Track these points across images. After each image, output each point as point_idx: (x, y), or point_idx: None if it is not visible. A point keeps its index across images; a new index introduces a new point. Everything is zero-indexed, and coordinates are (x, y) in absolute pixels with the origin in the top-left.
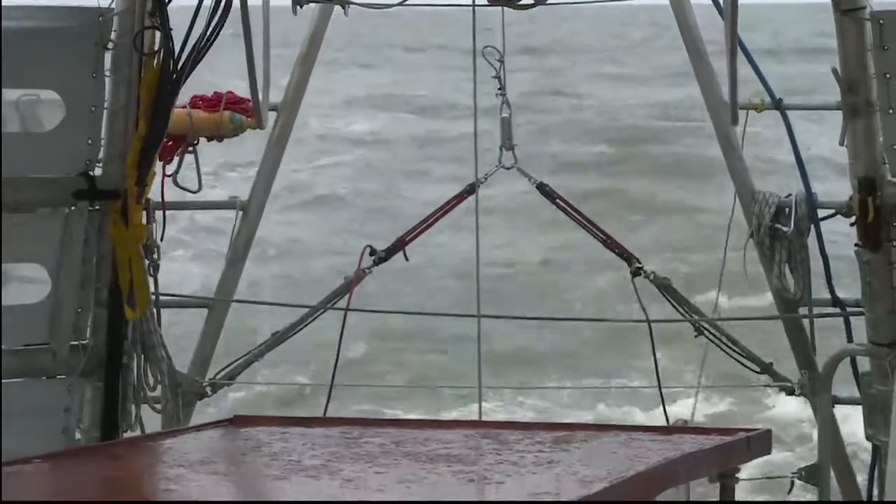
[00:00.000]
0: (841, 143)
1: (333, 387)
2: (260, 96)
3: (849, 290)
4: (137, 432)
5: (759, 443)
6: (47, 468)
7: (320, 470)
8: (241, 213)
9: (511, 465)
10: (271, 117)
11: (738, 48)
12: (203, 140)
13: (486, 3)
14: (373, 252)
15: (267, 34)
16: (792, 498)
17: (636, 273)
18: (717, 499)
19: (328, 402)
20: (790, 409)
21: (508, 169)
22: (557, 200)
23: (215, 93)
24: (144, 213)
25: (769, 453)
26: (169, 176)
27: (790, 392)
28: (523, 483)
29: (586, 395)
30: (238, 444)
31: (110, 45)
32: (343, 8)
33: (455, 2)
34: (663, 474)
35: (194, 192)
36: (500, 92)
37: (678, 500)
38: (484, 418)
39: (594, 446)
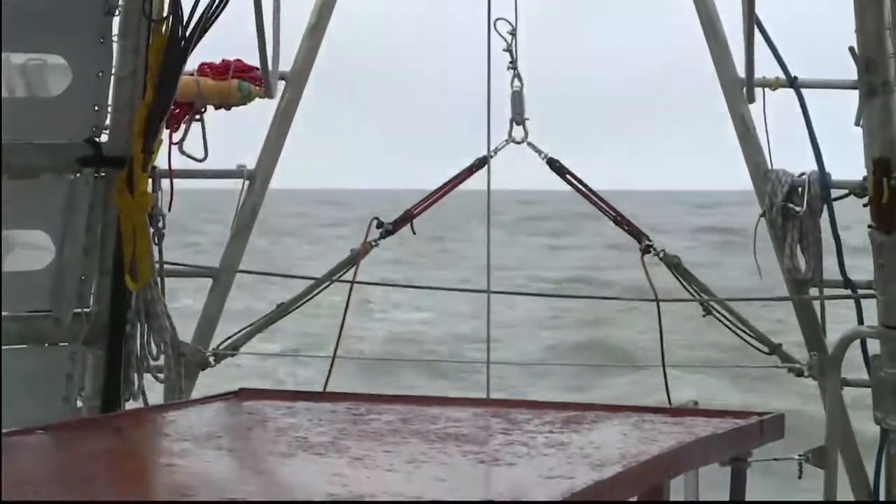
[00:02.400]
0: (857, 123)
1: (336, 360)
2: (269, 65)
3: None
4: (139, 401)
5: (772, 427)
6: (50, 439)
7: (328, 447)
8: (247, 182)
9: (522, 447)
10: (280, 87)
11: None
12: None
13: None
14: (380, 224)
15: (277, 1)
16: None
17: (646, 251)
18: (727, 481)
19: (329, 375)
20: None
21: (519, 143)
22: (568, 177)
23: (223, 60)
24: (150, 181)
25: (782, 437)
26: (175, 144)
27: (799, 373)
28: (535, 465)
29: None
30: (243, 419)
31: (118, 11)
32: None
33: None
34: (678, 459)
35: (200, 161)
36: (511, 65)
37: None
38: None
39: (605, 428)
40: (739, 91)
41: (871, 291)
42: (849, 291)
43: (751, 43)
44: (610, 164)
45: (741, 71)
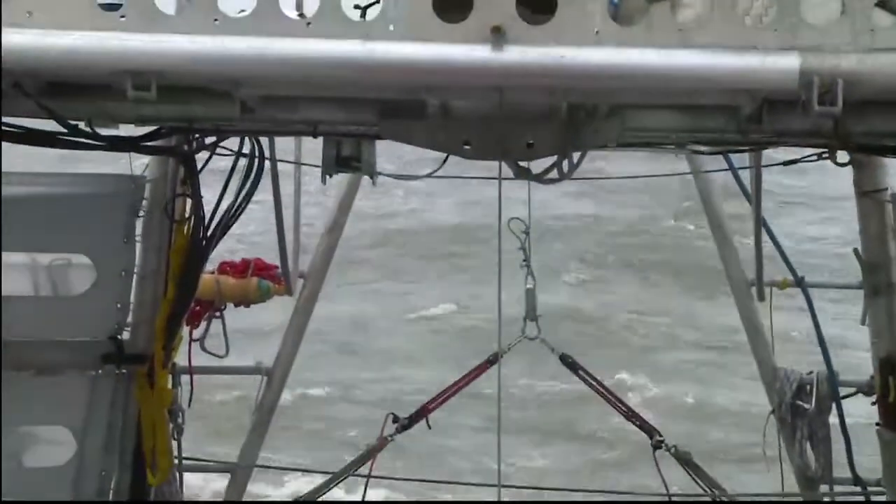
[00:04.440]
0: (862, 323)
1: None
2: (290, 264)
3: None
4: None
5: None
6: None
7: None
8: (265, 378)
9: None
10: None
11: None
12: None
13: (512, 176)
14: (395, 419)
15: (297, 203)
16: None
17: (657, 446)
18: None
19: None
20: None
21: (532, 340)
22: (580, 372)
23: (243, 259)
24: (170, 377)
25: None
26: (196, 341)
27: None
28: None
29: None
30: None
31: (142, 212)
32: (371, 178)
33: (481, 175)
34: None
35: (221, 357)
36: (524, 263)
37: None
38: None
39: None
40: (748, 290)
41: (881, 488)
42: (859, 489)
43: (759, 245)
44: None
45: (749, 272)
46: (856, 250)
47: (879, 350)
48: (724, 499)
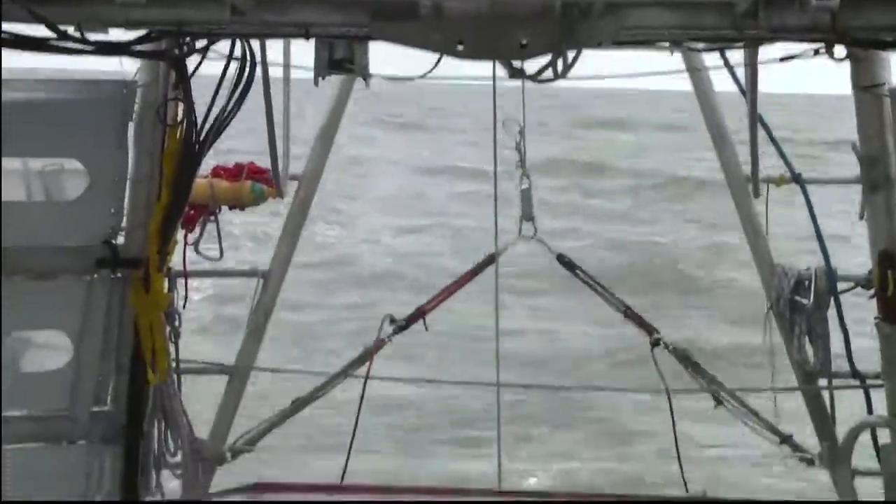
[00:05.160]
0: (861, 218)
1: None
2: (280, 167)
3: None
4: (157, 498)
5: None
6: None
7: None
8: (261, 281)
9: None
10: (292, 187)
11: (759, 126)
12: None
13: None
14: (392, 320)
15: (287, 106)
16: None
17: (655, 343)
18: None
19: (346, 468)
20: None
21: (529, 240)
22: (577, 271)
23: (237, 163)
24: (166, 280)
25: None
26: (191, 244)
27: (810, 463)
28: None
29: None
30: None
31: (134, 117)
32: (364, 80)
33: (476, 75)
34: None
35: (216, 260)
36: (520, 163)
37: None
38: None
39: None
40: (746, 188)
41: (880, 382)
42: (858, 382)
43: (755, 141)
44: None
45: (747, 169)
46: (854, 145)
47: (877, 244)
48: (723, 395)
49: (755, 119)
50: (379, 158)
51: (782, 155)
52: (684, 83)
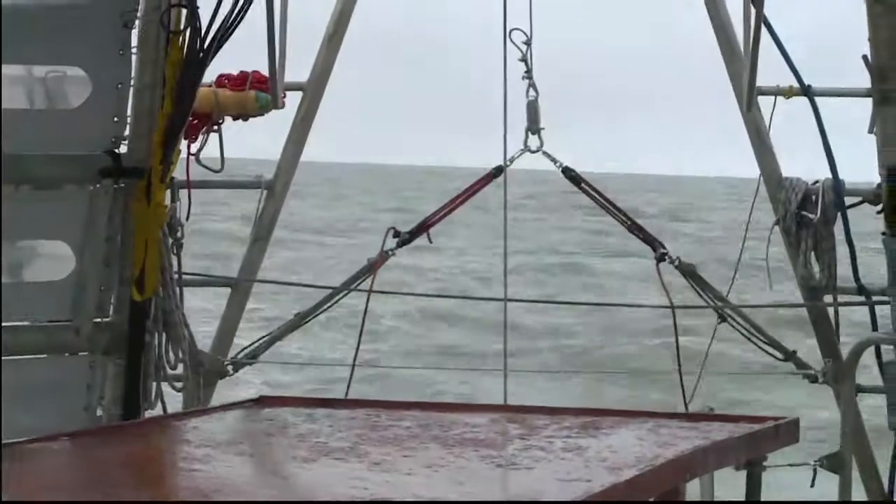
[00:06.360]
0: (870, 131)
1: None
2: (277, 75)
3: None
4: (158, 410)
5: (787, 431)
6: (75, 446)
7: (347, 452)
8: (265, 191)
9: (539, 451)
10: (297, 97)
11: (766, 32)
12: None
13: None
14: (396, 234)
15: (284, 13)
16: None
17: (661, 258)
18: (742, 485)
19: (349, 383)
20: None
21: (534, 152)
22: (583, 185)
23: (241, 72)
24: (169, 191)
25: (797, 441)
26: (193, 154)
27: (813, 380)
28: (552, 468)
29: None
30: (264, 425)
31: (137, 23)
32: None
33: None
34: (693, 462)
35: (217, 172)
36: (526, 74)
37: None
38: (509, 401)
39: (622, 433)
40: (752, 100)
41: (885, 298)
42: (863, 298)
43: (755, 51)
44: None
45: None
46: (865, 57)
47: (886, 158)
48: (727, 311)
49: (759, 22)
50: None
51: (790, 65)
52: None
